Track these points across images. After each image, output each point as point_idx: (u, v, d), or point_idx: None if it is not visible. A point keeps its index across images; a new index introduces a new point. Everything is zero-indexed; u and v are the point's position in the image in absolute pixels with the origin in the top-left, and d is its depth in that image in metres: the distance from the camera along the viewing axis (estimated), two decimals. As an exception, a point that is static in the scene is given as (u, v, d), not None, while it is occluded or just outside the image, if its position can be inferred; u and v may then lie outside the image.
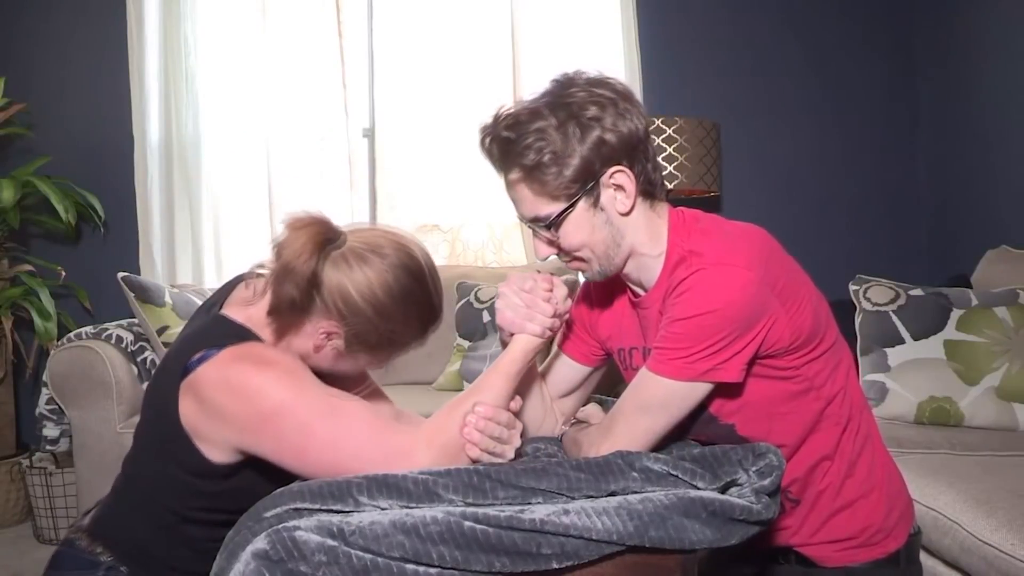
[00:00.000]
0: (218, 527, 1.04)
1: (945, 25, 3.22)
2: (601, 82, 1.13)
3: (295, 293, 1.08)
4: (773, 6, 3.39)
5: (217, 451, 1.09)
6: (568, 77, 1.14)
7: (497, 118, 1.13)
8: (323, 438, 1.03)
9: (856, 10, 3.40)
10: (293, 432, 1.04)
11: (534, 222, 1.16)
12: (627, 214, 1.15)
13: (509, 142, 1.12)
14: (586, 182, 1.11)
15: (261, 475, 1.10)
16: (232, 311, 1.17)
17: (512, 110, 1.13)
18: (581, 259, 1.18)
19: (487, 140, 1.15)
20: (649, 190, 1.16)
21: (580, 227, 1.14)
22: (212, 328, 1.15)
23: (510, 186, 1.16)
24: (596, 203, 1.13)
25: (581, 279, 1.40)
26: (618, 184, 1.13)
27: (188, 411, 1.08)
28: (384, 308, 1.11)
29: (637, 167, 1.13)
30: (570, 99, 1.11)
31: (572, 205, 1.12)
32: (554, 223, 1.14)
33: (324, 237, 1.10)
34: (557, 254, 1.20)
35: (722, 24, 3.38)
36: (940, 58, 3.26)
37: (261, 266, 1.16)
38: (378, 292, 1.10)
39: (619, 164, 1.12)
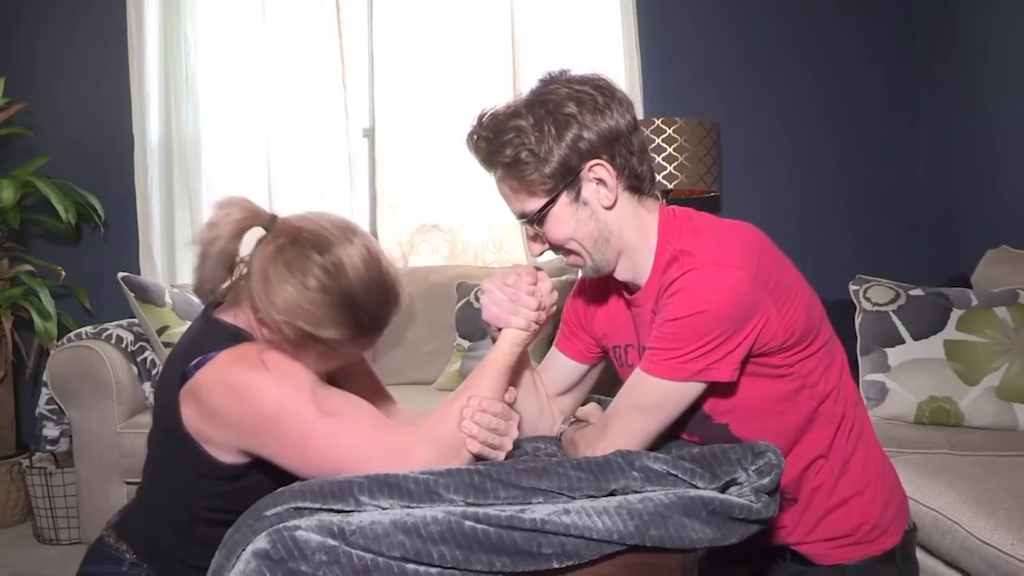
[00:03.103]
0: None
1: (945, 26, 3.22)
2: (584, 79, 1.14)
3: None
4: (773, 7, 3.39)
5: (224, 453, 1.10)
6: (552, 75, 1.16)
7: (480, 119, 1.16)
8: (322, 437, 1.04)
9: (856, 10, 3.40)
10: (293, 432, 1.04)
11: (522, 219, 1.18)
12: (611, 207, 1.15)
13: (489, 141, 1.15)
14: (565, 177, 1.13)
15: (272, 474, 1.11)
16: (223, 314, 1.17)
17: (493, 110, 1.16)
18: (575, 253, 1.19)
19: (472, 140, 1.17)
20: (635, 184, 1.17)
21: (564, 221, 1.15)
22: (206, 332, 1.15)
23: (497, 185, 1.19)
24: (578, 197, 1.14)
25: (579, 276, 1.40)
26: (599, 178, 1.14)
27: (191, 416, 1.09)
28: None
29: (619, 160, 1.14)
30: (549, 96, 1.13)
31: (553, 200, 1.14)
32: (537, 218, 1.16)
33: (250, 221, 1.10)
34: (552, 250, 1.21)
35: (722, 24, 3.37)
36: (940, 59, 3.26)
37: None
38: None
39: (598, 158, 1.13)
